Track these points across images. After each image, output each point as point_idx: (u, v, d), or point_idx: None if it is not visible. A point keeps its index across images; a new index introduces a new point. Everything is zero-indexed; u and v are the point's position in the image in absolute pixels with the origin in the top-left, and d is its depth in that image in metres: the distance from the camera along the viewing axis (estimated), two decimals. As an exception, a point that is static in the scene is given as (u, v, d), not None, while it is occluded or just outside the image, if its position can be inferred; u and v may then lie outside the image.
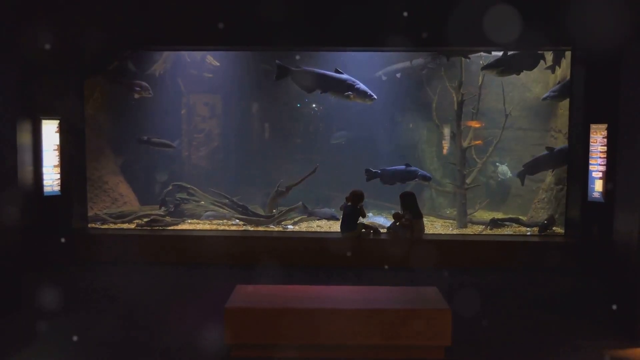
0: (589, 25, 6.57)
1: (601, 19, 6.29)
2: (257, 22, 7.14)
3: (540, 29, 6.91)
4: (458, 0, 6.91)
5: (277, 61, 8.11)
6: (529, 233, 8.23)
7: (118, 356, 4.55)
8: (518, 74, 8.39)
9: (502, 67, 8.15)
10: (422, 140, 10.28)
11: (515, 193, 9.93)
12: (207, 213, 8.76)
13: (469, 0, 6.86)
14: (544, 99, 8.68)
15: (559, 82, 8.66)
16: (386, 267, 6.93)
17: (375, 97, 8.15)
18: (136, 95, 8.94)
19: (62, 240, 7.28)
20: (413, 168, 8.65)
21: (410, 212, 7.52)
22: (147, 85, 8.98)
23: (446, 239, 7.77)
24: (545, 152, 8.51)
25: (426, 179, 8.68)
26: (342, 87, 8.02)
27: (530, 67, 8.35)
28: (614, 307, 5.03)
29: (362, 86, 8.04)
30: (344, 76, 8.11)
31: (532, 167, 8.70)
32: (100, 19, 7.24)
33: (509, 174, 9.78)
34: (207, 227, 8.53)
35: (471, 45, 7.78)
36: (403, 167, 8.70)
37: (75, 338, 4.80)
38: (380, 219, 9.11)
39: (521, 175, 8.84)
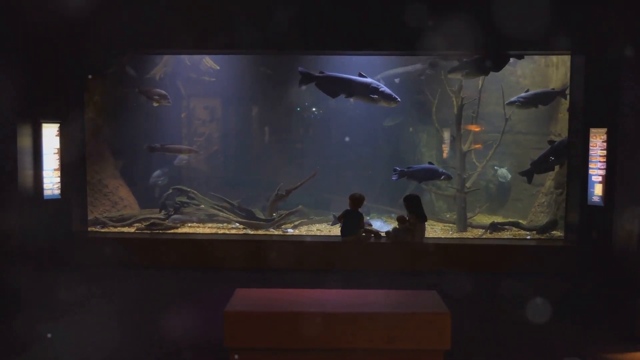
0: (588, 29, 6.59)
1: (601, 23, 6.32)
2: (256, 26, 7.16)
3: (540, 33, 6.92)
4: (457, 4, 6.93)
5: (299, 68, 8.15)
6: (528, 237, 8.23)
7: (117, 360, 4.55)
8: (486, 75, 8.42)
9: (467, 70, 8.15)
10: (422, 143, 10.30)
11: (515, 197, 9.94)
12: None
13: (468, 4, 6.89)
14: (509, 103, 8.67)
15: (527, 90, 8.70)
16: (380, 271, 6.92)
17: (400, 99, 8.20)
18: (155, 104, 8.99)
19: (62, 243, 7.30)
20: (435, 167, 8.66)
21: (414, 215, 7.51)
22: (165, 93, 9.03)
23: (446, 242, 7.77)
24: (548, 146, 8.52)
25: (449, 177, 8.69)
26: (367, 91, 8.06)
27: (497, 69, 8.36)
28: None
29: (386, 89, 8.09)
30: (368, 80, 8.15)
31: (539, 164, 8.63)
32: (100, 22, 7.26)
33: (509, 177, 9.79)
34: (207, 230, 8.52)
35: (470, 50, 7.78)
36: (428, 165, 8.71)
37: (74, 342, 4.81)
38: (377, 223, 9.10)
39: (528, 173, 8.76)
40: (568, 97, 8.16)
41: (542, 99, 8.56)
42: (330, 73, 8.16)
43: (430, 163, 8.76)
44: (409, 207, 7.60)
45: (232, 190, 9.36)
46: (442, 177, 8.61)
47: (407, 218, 7.56)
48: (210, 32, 7.32)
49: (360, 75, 8.18)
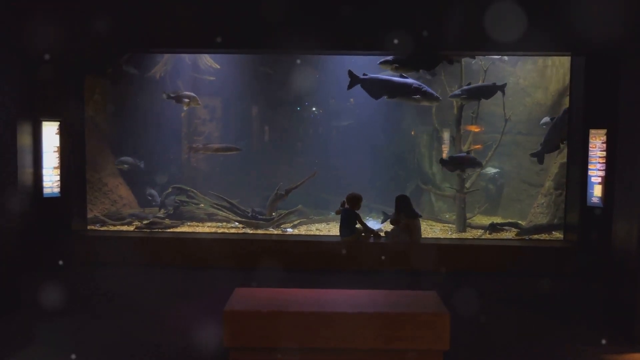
0: (588, 30, 6.58)
1: (600, 23, 6.32)
2: (257, 25, 7.15)
3: (539, 34, 6.92)
4: (458, 3, 6.93)
5: (349, 70, 8.23)
6: (527, 238, 8.23)
7: (116, 358, 4.55)
8: (417, 71, 8.47)
9: (396, 65, 8.17)
10: (422, 144, 10.31)
11: (515, 198, 9.95)
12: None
13: (468, 4, 6.89)
14: (452, 96, 8.68)
15: (468, 83, 8.70)
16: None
17: (441, 98, 8.34)
18: (185, 107, 9.06)
19: (61, 241, 7.29)
20: (472, 156, 8.72)
21: (404, 214, 7.54)
22: (195, 95, 9.09)
23: (445, 243, 7.77)
24: (550, 126, 8.50)
25: (480, 165, 8.74)
26: (411, 91, 8.17)
27: (429, 67, 8.39)
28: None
29: (428, 89, 8.26)
30: (409, 80, 8.25)
31: (547, 143, 8.59)
32: (100, 20, 7.24)
33: (495, 170, 9.84)
34: (206, 229, 8.53)
35: (470, 49, 7.78)
36: (464, 154, 8.75)
37: (73, 340, 4.81)
38: (371, 222, 9.08)
39: (539, 155, 8.72)
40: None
41: (483, 92, 8.65)
42: (374, 75, 8.29)
43: (467, 152, 8.80)
44: (399, 207, 7.64)
45: (232, 190, 9.36)
46: (475, 166, 8.74)
47: (398, 219, 7.58)
48: (204, 31, 7.30)
49: (402, 76, 8.27)
